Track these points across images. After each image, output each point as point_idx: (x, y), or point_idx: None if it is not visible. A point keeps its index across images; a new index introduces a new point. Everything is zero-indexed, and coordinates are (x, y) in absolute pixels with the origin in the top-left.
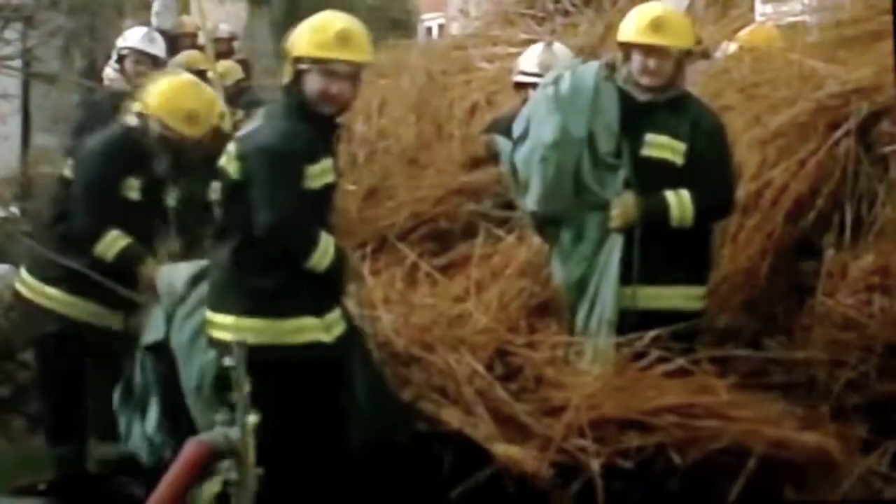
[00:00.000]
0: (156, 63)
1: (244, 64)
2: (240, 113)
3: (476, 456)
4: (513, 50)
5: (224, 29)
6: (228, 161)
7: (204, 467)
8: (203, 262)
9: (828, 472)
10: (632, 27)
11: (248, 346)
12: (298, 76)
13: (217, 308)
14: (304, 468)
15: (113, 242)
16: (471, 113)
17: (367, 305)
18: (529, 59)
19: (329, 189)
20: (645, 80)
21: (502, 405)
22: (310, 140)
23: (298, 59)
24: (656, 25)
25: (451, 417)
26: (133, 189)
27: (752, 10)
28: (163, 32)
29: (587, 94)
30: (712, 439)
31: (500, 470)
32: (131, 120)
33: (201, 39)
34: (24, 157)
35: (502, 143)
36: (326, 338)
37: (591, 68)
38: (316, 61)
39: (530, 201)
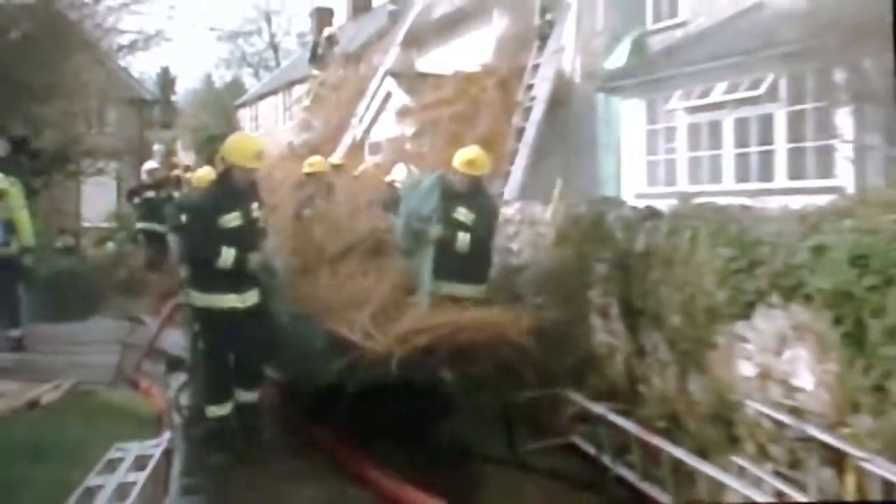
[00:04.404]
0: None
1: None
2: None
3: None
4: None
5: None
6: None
7: (173, 315)
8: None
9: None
10: (455, 160)
11: (197, 306)
12: (227, 167)
13: (188, 286)
14: (226, 370)
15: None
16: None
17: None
18: (398, 173)
19: (237, 228)
20: (458, 184)
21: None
22: (225, 199)
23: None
24: (471, 162)
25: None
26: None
27: None
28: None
29: (421, 189)
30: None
31: (364, 354)
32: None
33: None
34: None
35: (391, 217)
36: (241, 305)
37: (431, 177)
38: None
39: (398, 242)
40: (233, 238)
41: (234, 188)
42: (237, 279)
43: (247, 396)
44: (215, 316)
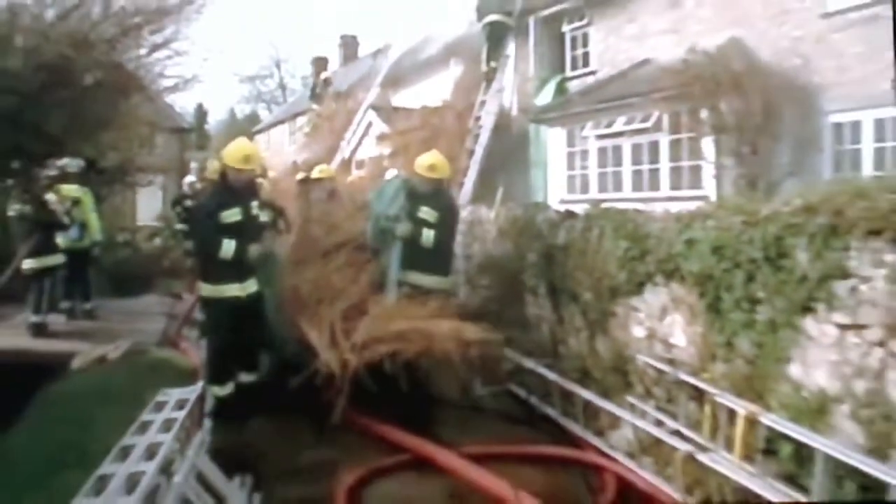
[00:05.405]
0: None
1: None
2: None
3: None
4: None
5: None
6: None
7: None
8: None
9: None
10: (417, 165)
11: (205, 295)
12: (225, 169)
13: (197, 279)
14: (229, 353)
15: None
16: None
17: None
18: (390, 174)
19: (238, 223)
20: (421, 187)
21: (336, 329)
22: (225, 198)
23: (225, 163)
24: (432, 167)
25: (314, 338)
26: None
27: None
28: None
29: (388, 193)
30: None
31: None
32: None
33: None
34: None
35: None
36: (242, 294)
37: (396, 179)
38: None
39: (369, 241)
40: (233, 232)
41: (231, 187)
42: (238, 269)
43: (247, 378)
44: (220, 304)
